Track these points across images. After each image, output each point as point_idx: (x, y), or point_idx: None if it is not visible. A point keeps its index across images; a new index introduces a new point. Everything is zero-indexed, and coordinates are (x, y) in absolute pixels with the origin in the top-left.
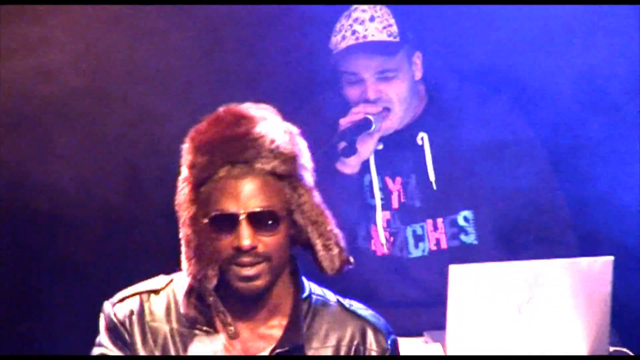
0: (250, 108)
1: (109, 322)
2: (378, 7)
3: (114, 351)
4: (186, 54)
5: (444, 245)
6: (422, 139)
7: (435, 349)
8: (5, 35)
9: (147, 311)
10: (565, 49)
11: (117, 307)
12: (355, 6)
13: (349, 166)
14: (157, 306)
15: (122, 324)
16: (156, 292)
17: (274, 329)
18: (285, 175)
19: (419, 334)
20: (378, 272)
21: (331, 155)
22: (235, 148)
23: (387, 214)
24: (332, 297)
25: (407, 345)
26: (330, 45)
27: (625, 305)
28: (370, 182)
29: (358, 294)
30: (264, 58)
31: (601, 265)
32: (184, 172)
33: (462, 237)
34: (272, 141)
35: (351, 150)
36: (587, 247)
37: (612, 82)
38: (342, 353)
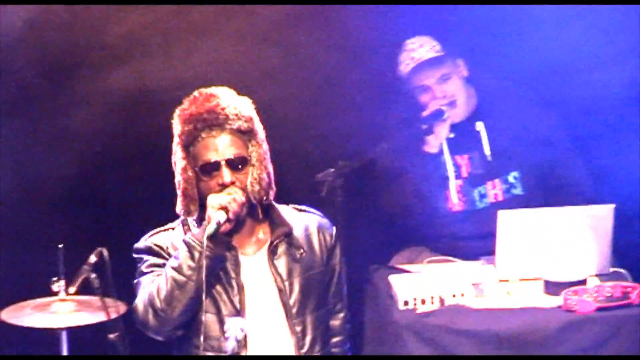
0: (215, 89)
1: (149, 250)
2: (423, 37)
3: (167, 260)
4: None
5: (500, 198)
6: (479, 126)
7: (488, 269)
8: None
9: (170, 240)
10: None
11: (153, 239)
12: (406, 41)
13: (432, 146)
14: (175, 236)
15: (160, 247)
16: (171, 229)
17: (261, 234)
18: (246, 131)
19: (477, 258)
20: (453, 222)
21: (418, 140)
22: (210, 116)
23: (459, 181)
24: (287, 206)
25: (469, 266)
26: (399, 73)
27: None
28: (445, 161)
29: (442, 235)
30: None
31: (606, 210)
32: (176, 139)
33: (513, 190)
34: (235, 108)
35: (430, 131)
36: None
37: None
38: (313, 236)
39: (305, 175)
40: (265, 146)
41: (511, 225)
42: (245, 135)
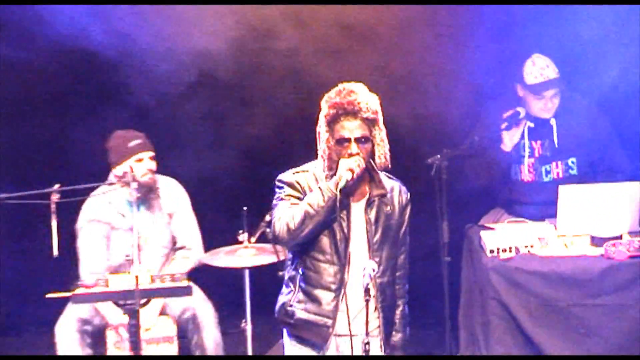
0: (354, 85)
1: (292, 185)
2: (546, 57)
3: (301, 195)
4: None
5: (560, 175)
6: (552, 121)
7: (550, 227)
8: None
9: (306, 179)
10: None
11: (296, 177)
12: (533, 56)
13: (506, 145)
14: (310, 179)
15: (300, 185)
16: (307, 171)
17: (364, 190)
18: (372, 119)
19: (543, 219)
20: (523, 190)
21: (499, 135)
22: (349, 106)
23: (532, 159)
24: (382, 173)
25: (535, 225)
26: (524, 78)
27: None
28: (524, 144)
29: (515, 200)
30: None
31: (635, 186)
32: (322, 117)
33: (570, 171)
34: (367, 103)
35: (510, 127)
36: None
37: None
38: (395, 197)
39: (419, 157)
40: (384, 130)
41: (568, 196)
42: (371, 122)
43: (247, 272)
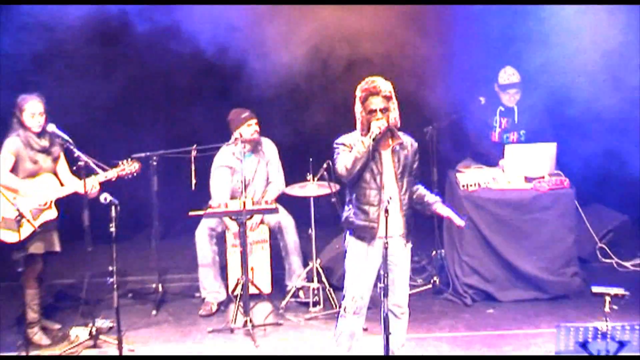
0: (375, 77)
1: (343, 143)
2: (514, 69)
3: (348, 148)
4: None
5: (515, 140)
6: (515, 108)
7: (499, 171)
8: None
9: (351, 139)
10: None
11: (345, 138)
12: (506, 67)
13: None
14: (352, 138)
15: (347, 142)
16: (350, 135)
17: (389, 142)
18: (388, 97)
19: (496, 165)
20: (492, 147)
21: (479, 111)
22: (374, 90)
23: (499, 129)
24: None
25: (490, 169)
26: (499, 79)
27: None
28: (497, 119)
29: (484, 154)
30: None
31: (552, 146)
32: (357, 100)
33: (520, 138)
34: (384, 86)
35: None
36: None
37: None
38: (409, 146)
39: (417, 127)
40: (396, 103)
41: (511, 151)
42: (387, 98)
43: (312, 199)
